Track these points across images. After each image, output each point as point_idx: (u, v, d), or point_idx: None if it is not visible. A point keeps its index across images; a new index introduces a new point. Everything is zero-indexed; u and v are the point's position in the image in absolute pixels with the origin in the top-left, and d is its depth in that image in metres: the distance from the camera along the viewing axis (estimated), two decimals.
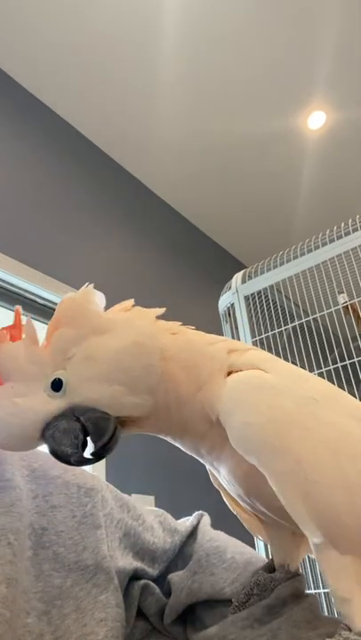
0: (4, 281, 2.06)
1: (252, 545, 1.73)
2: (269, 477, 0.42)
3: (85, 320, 0.48)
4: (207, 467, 0.54)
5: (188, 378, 0.47)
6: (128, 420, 0.48)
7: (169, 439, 0.51)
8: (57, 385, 0.45)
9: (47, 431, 0.45)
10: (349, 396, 0.50)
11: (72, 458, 0.45)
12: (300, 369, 0.53)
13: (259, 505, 0.49)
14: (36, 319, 2.24)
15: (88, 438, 0.45)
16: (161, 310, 0.51)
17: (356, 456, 0.42)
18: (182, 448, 0.52)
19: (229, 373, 0.48)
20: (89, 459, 0.46)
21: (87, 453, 0.46)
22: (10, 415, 0.44)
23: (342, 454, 0.42)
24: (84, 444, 0.45)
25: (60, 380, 0.45)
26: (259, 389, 0.46)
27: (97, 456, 0.46)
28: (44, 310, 2.23)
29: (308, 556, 0.68)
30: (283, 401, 0.45)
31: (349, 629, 0.41)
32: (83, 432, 0.45)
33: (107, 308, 0.51)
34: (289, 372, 0.50)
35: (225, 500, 0.57)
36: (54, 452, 0.45)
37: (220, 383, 0.47)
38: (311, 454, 0.42)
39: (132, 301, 0.51)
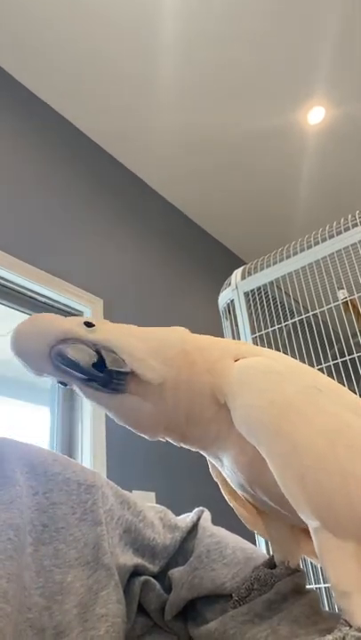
0: (3, 278, 2.06)
1: (253, 541, 1.74)
2: (268, 459, 0.44)
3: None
4: (208, 458, 0.55)
5: (200, 357, 0.50)
6: (135, 383, 0.48)
7: (167, 436, 0.52)
8: (88, 324, 0.50)
9: (63, 343, 0.47)
10: (351, 392, 0.51)
11: (78, 371, 0.47)
12: (304, 364, 0.55)
13: (260, 493, 0.50)
14: None
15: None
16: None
17: (352, 447, 0.43)
18: (181, 443, 0.53)
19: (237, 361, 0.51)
20: (97, 377, 0.47)
21: (96, 372, 0.47)
22: (28, 325, 0.49)
23: (339, 444, 0.43)
24: (97, 366, 0.47)
25: (90, 323, 0.50)
26: (265, 374, 0.48)
27: (104, 381, 0.47)
28: (44, 308, 2.23)
29: None
30: (287, 387, 0.46)
31: (349, 625, 0.41)
32: (99, 356, 0.48)
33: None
34: (293, 363, 0.53)
35: (223, 492, 0.58)
36: (64, 362, 0.47)
37: (229, 366, 0.49)
38: (308, 440, 0.43)
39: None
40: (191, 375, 0.50)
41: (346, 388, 0.51)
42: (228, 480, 0.54)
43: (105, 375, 0.47)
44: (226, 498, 0.58)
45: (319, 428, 0.44)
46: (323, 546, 0.42)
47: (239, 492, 0.54)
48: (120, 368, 0.48)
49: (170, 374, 0.49)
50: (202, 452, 0.54)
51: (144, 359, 0.48)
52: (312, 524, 0.42)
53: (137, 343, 0.49)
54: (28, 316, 0.52)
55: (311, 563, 1.65)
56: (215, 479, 0.58)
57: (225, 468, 0.53)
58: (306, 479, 0.42)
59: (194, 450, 0.53)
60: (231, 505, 0.58)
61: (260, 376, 0.47)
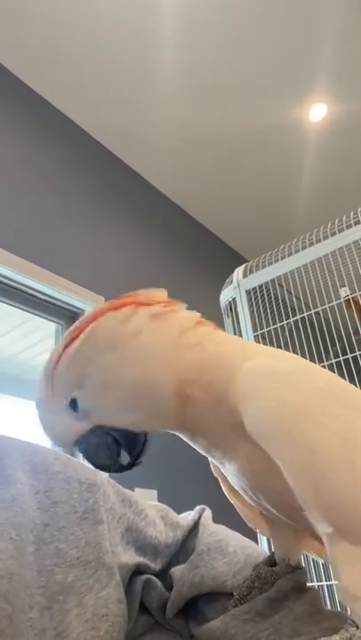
0: (5, 277, 2.06)
1: (254, 539, 1.74)
2: (281, 463, 0.42)
3: (98, 333, 0.47)
4: (210, 459, 0.54)
5: (208, 395, 0.47)
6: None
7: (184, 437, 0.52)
8: (74, 405, 0.47)
9: (80, 445, 0.48)
10: (357, 390, 0.50)
11: (111, 469, 0.49)
12: (312, 364, 0.53)
13: (263, 500, 0.49)
14: (37, 315, 2.24)
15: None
16: (193, 317, 0.51)
17: None
18: (193, 445, 0.52)
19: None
20: (126, 466, 0.49)
21: (124, 461, 0.48)
22: (47, 431, 0.49)
23: (353, 446, 0.42)
24: (119, 453, 0.48)
25: (75, 400, 0.47)
26: (273, 375, 0.46)
27: (134, 464, 0.49)
28: (45, 306, 2.23)
29: None
30: (297, 388, 0.45)
31: (356, 626, 0.40)
32: (115, 444, 0.48)
33: (106, 302, 0.51)
34: (301, 363, 0.51)
35: (223, 489, 0.57)
36: (92, 464, 0.49)
37: (237, 372, 0.46)
38: (323, 444, 0.42)
39: (164, 295, 0.52)
40: (202, 412, 0.47)
41: (355, 387, 0.50)
42: (230, 480, 0.54)
43: (134, 459, 0.49)
44: (226, 494, 0.58)
45: (334, 431, 0.43)
46: (335, 550, 0.41)
47: (242, 493, 0.53)
48: (137, 443, 0.48)
49: (178, 419, 0.48)
50: (207, 456, 0.53)
51: (148, 426, 0.48)
52: (324, 529, 0.41)
53: (132, 415, 0.47)
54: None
55: (312, 560, 1.65)
56: (216, 475, 0.58)
57: (228, 471, 0.52)
58: (321, 484, 0.41)
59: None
60: (232, 502, 0.58)
61: (267, 378, 0.46)
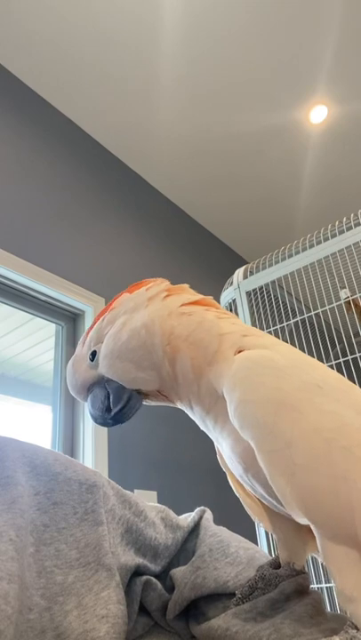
0: (5, 278, 2.06)
1: (255, 541, 1.74)
2: (258, 455, 0.44)
3: (124, 302, 0.57)
4: (215, 445, 0.56)
5: (195, 353, 0.51)
6: (146, 392, 0.55)
7: (187, 411, 0.56)
8: (92, 356, 0.56)
9: (89, 392, 0.57)
10: (358, 388, 0.50)
11: (98, 419, 0.56)
12: (313, 359, 0.53)
13: (256, 484, 0.49)
14: (38, 316, 2.24)
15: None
16: (195, 297, 0.58)
17: (349, 448, 0.42)
18: (191, 416, 0.56)
19: (240, 352, 0.50)
20: (110, 420, 0.55)
21: (109, 414, 0.56)
22: (69, 377, 0.58)
23: (336, 444, 0.42)
24: (109, 409, 0.55)
25: (94, 352, 0.56)
26: (263, 369, 0.47)
27: (114, 420, 0.55)
28: (46, 307, 2.23)
29: None
30: (284, 383, 0.46)
31: (356, 628, 0.41)
32: (108, 398, 0.55)
33: (107, 303, 0.56)
34: (299, 358, 0.51)
35: (230, 482, 0.57)
36: (90, 413, 0.57)
37: (230, 360, 0.49)
38: (302, 438, 0.43)
39: (166, 283, 0.59)
40: (186, 370, 0.51)
41: (354, 386, 0.50)
42: (229, 466, 0.54)
43: (114, 415, 0.55)
44: (232, 487, 0.58)
45: (315, 427, 0.43)
46: (328, 552, 0.42)
47: (241, 481, 0.54)
48: (120, 399, 0.55)
49: (162, 373, 0.53)
50: (208, 435, 0.55)
51: (134, 379, 0.54)
52: (299, 520, 0.42)
53: (125, 364, 0.54)
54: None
55: (315, 562, 1.65)
56: (223, 468, 0.58)
57: (225, 452, 0.53)
58: (296, 478, 0.42)
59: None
60: (237, 494, 0.58)
61: (259, 371, 0.47)
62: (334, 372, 0.51)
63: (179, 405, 0.56)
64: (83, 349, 0.58)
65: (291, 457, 0.42)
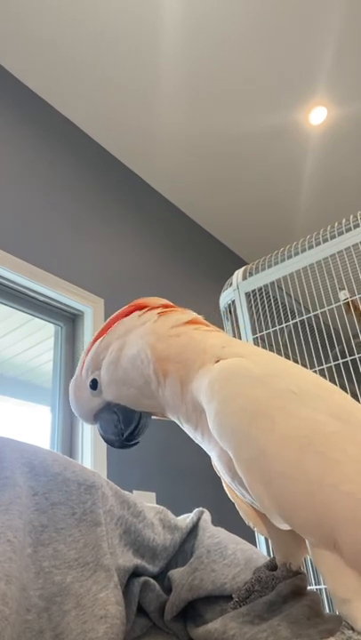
0: (5, 279, 2.06)
1: (253, 542, 1.74)
2: (236, 464, 0.45)
3: (117, 326, 0.58)
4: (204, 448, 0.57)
5: (182, 372, 0.52)
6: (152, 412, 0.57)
7: (182, 427, 0.57)
8: (93, 384, 0.57)
9: (97, 420, 0.59)
10: (343, 394, 0.50)
11: (115, 444, 0.58)
12: (294, 364, 0.53)
13: (244, 492, 0.50)
14: (37, 317, 2.24)
15: None
16: (187, 317, 0.58)
17: (322, 454, 0.43)
18: (185, 429, 0.57)
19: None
20: (125, 442, 0.57)
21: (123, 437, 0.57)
22: (73, 404, 0.59)
23: (308, 450, 0.43)
24: (123, 431, 0.57)
25: (95, 380, 0.57)
26: (237, 378, 0.48)
27: (129, 441, 0.57)
28: (45, 308, 2.23)
29: None
30: (257, 392, 0.46)
31: (352, 628, 0.41)
32: (120, 422, 0.57)
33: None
34: (276, 365, 0.52)
35: (225, 486, 0.58)
36: (103, 438, 0.59)
37: (209, 370, 0.50)
38: (275, 446, 0.43)
39: (161, 302, 0.60)
40: (177, 392, 0.52)
41: (335, 390, 0.49)
42: (220, 473, 0.55)
43: (128, 436, 0.57)
44: (227, 492, 0.58)
45: (288, 434, 0.43)
46: (316, 555, 0.42)
47: (232, 487, 0.54)
48: (131, 421, 0.57)
49: (161, 399, 0.54)
50: (194, 440, 0.56)
51: (141, 404, 0.56)
52: (279, 525, 0.43)
53: (131, 391, 0.55)
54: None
55: (312, 563, 1.65)
56: (218, 473, 0.58)
57: (214, 460, 0.53)
58: (272, 485, 0.42)
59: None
60: (232, 500, 0.58)
61: (234, 381, 0.47)
62: (314, 378, 0.51)
63: (176, 421, 0.57)
64: (82, 376, 0.58)
65: (266, 465, 0.43)
